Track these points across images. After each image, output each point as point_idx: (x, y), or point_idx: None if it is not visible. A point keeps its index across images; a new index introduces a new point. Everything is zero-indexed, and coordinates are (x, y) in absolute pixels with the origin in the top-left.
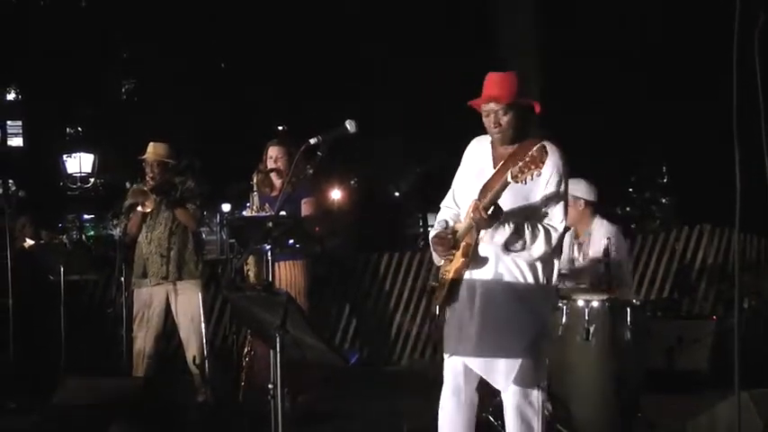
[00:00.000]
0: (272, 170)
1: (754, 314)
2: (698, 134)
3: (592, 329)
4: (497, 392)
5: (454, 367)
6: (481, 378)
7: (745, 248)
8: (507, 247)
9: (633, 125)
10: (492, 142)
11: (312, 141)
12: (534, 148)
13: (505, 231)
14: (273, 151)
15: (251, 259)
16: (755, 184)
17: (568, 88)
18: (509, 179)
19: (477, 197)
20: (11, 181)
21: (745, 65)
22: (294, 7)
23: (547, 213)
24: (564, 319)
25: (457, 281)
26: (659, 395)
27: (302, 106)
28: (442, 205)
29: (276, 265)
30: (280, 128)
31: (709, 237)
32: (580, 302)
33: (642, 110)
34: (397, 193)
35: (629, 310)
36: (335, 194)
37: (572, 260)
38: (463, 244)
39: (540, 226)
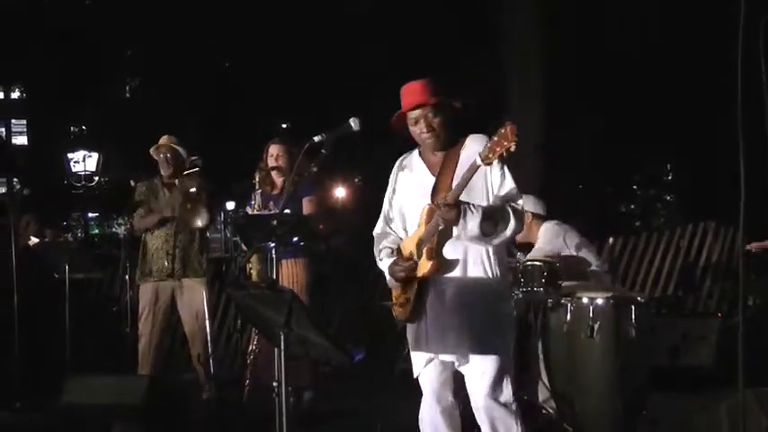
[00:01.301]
0: (273, 168)
1: (759, 312)
2: (703, 132)
3: (596, 327)
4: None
5: (429, 376)
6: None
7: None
8: (483, 232)
9: (638, 123)
10: (420, 154)
11: (316, 139)
12: (504, 127)
13: (476, 218)
14: (274, 149)
15: (254, 257)
16: (760, 182)
17: (572, 85)
18: (479, 163)
19: (429, 203)
20: (15, 179)
21: (749, 63)
22: (299, 6)
23: (504, 195)
24: (568, 317)
25: (422, 287)
26: (664, 393)
27: (306, 105)
28: (375, 234)
29: (278, 262)
30: (284, 126)
31: (714, 234)
32: (584, 300)
33: (647, 107)
34: None
35: (633, 307)
36: (339, 192)
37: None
38: (425, 249)
39: (505, 206)
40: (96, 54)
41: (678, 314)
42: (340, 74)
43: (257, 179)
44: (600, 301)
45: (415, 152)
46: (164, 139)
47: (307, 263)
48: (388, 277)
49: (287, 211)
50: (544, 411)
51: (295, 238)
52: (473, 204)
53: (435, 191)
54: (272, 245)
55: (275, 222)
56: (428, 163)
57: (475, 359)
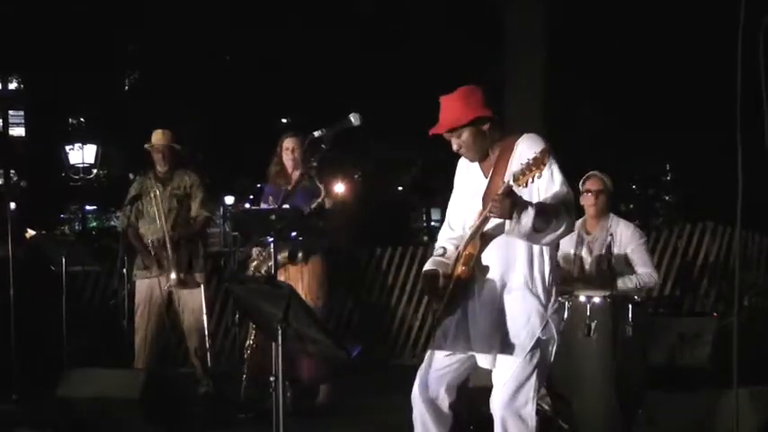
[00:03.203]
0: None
1: (756, 311)
2: (702, 132)
3: (593, 325)
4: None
5: (428, 361)
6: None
7: (746, 246)
8: (536, 228)
9: (637, 122)
10: None
11: (316, 134)
12: (537, 150)
13: (530, 212)
14: (290, 143)
15: (255, 252)
16: (759, 181)
17: (572, 84)
18: (511, 183)
19: (481, 208)
20: (12, 171)
21: (749, 62)
22: (300, 2)
23: (554, 194)
24: (565, 315)
25: (457, 288)
26: (660, 391)
27: (307, 100)
28: (440, 235)
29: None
30: (283, 121)
31: (712, 234)
32: (582, 298)
33: (646, 107)
34: (400, 188)
35: (630, 306)
36: (339, 188)
37: (577, 258)
38: (465, 253)
39: (558, 203)
40: (96, 46)
41: (675, 313)
42: (341, 70)
43: (272, 173)
44: (597, 300)
45: None
46: (158, 136)
47: (321, 259)
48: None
49: (286, 206)
50: (540, 409)
51: (293, 233)
52: (526, 199)
53: (486, 196)
54: (271, 239)
55: (274, 217)
56: (483, 165)
57: (502, 364)
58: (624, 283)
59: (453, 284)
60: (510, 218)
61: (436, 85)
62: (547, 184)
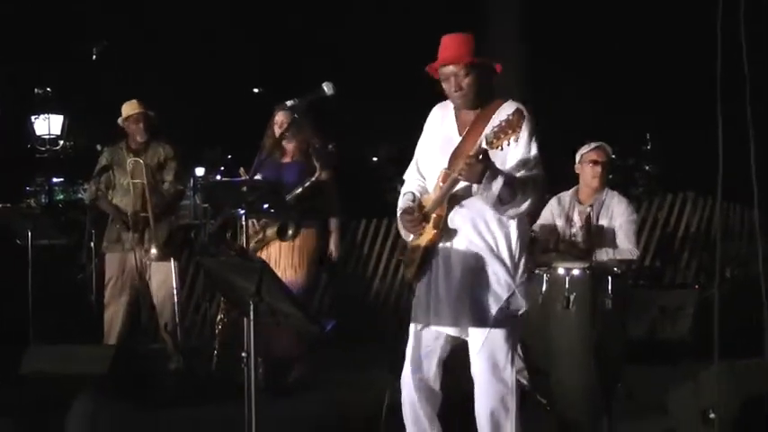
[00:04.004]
0: (282, 137)
1: (737, 283)
2: (682, 100)
3: (572, 298)
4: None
5: (417, 342)
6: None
7: (727, 217)
8: (501, 198)
9: (616, 91)
10: (456, 108)
11: (288, 104)
12: (511, 112)
13: (499, 180)
14: (281, 116)
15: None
16: (740, 151)
17: (550, 51)
18: (483, 145)
19: (446, 167)
20: None
21: (729, 34)
22: None
23: (525, 167)
24: (544, 288)
25: (428, 252)
26: (641, 365)
27: (279, 69)
28: (405, 177)
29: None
30: (255, 90)
31: (693, 205)
32: (560, 270)
33: (625, 75)
34: (375, 158)
35: (610, 278)
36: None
37: (566, 227)
38: (434, 216)
39: (527, 177)
40: (62, 13)
41: (656, 286)
42: (314, 38)
43: (266, 146)
44: (576, 272)
45: (450, 104)
46: (132, 106)
47: (316, 232)
48: (399, 226)
49: (258, 176)
50: (518, 384)
51: (266, 206)
52: (496, 166)
53: (455, 155)
54: (242, 212)
55: (245, 189)
56: (459, 120)
57: (476, 333)
58: (600, 255)
59: (424, 250)
60: (479, 182)
61: (411, 58)
62: (523, 156)
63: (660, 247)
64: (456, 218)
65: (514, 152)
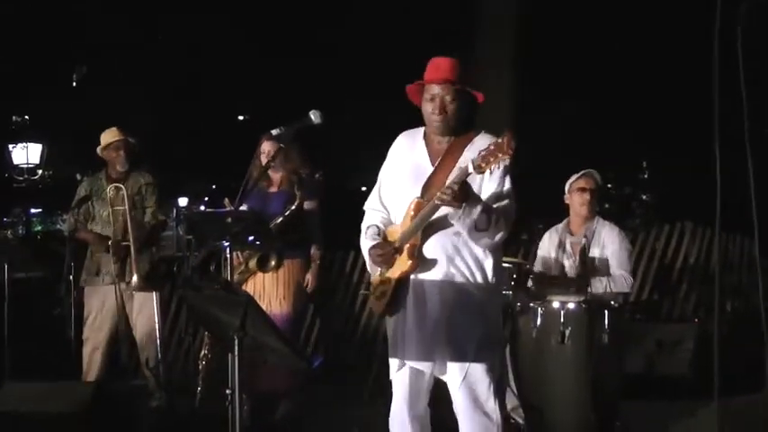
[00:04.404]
0: (267, 166)
1: (738, 317)
2: (679, 128)
3: (567, 332)
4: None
5: (403, 380)
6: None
7: (727, 248)
8: (477, 226)
9: (612, 118)
10: (426, 136)
11: (274, 132)
12: (502, 137)
13: (477, 208)
14: (267, 146)
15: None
16: (738, 181)
17: (544, 77)
18: (470, 170)
19: (418, 196)
20: None
21: (728, 58)
22: None
23: (498, 201)
24: (538, 321)
25: (401, 285)
26: (638, 401)
27: (265, 96)
28: (366, 208)
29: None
30: (240, 118)
31: (691, 235)
32: (555, 304)
33: (621, 102)
34: (363, 188)
35: (606, 312)
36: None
37: (558, 263)
38: (407, 246)
39: (500, 210)
40: (41, 37)
41: (653, 319)
42: (300, 64)
43: (253, 176)
44: (571, 306)
45: (419, 132)
46: (113, 133)
47: (302, 263)
48: (367, 260)
49: (243, 207)
50: (512, 421)
51: (251, 237)
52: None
53: (429, 185)
54: (227, 244)
55: (230, 220)
56: (431, 149)
57: (454, 368)
58: (596, 285)
59: (396, 282)
60: (459, 207)
61: (400, 84)
62: (496, 189)
63: (658, 280)
64: (430, 248)
65: (488, 185)
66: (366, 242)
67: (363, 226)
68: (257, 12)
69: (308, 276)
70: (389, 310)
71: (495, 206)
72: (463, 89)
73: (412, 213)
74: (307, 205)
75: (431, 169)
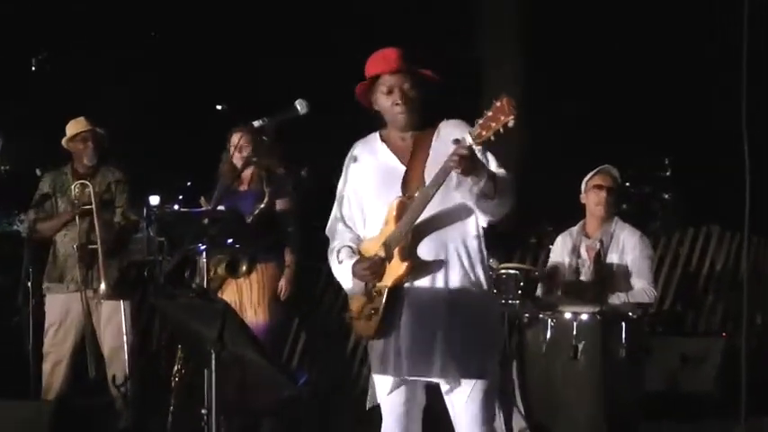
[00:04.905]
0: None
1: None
2: (706, 123)
3: (581, 347)
4: None
5: (394, 402)
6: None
7: (757, 254)
8: (484, 192)
9: (632, 111)
10: (384, 138)
11: (256, 124)
12: (499, 99)
13: (484, 177)
14: (238, 138)
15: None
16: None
17: (556, 65)
18: (469, 141)
19: (399, 195)
20: None
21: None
22: None
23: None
24: (548, 334)
25: (395, 294)
26: (660, 422)
27: (246, 83)
28: (329, 231)
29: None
30: (218, 107)
31: (718, 240)
32: (567, 315)
33: (642, 93)
34: None
35: (623, 324)
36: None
37: (572, 268)
38: (397, 249)
39: (505, 177)
40: None
41: (677, 332)
42: (284, 47)
43: (221, 172)
44: (585, 317)
45: (375, 136)
46: (80, 123)
47: (277, 268)
48: (347, 285)
49: (221, 207)
50: None
51: (230, 240)
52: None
53: (407, 181)
54: (203, 247)
55: (207, 221)
56: (395, 149)
57: (458, 383)
58: (614, 299)
59: (389, 293)
60: (467, 174)
61: None
62: (480, 156)
63: (681, 289)
64: (421, 252)
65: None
66: (345, 263)
67: (332, 249)
68: None
69: (282, 282)
70: (383, 329)
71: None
72: (418, 72)
73: (395, 213)
74: (279, 205)
75: (403, 168)
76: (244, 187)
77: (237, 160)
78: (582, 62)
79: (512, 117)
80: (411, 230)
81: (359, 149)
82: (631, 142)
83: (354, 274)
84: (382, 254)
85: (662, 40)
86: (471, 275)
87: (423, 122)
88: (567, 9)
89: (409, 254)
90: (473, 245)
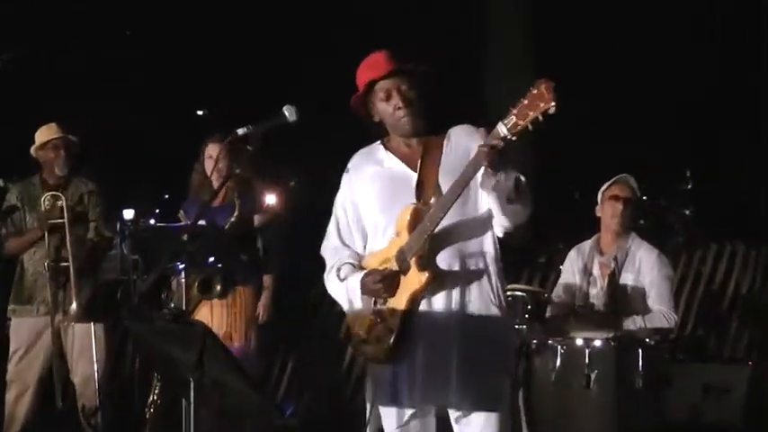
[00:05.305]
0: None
1: None
2: (730, 130)
3: (593, 375)
4: None
5: (403, 427)
6: None
7: None
8: (508, 194)
9: (649, 118)
10: (388, 147)
11: (240, 132)
12: (536, 86)
13: (512, 175)
14: (214, 149)
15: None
16: None
17: (565, 66)
18: (503, 132)
19: (414, 202)
20: None
21: None
22: None
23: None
24: (558, 362)
25: (412, 310)
26: None
27: (228, 87)
28: (325, 250)
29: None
30: (199, 113)
31: (743, 259)
32: (579, 341)
33: (660, 98)
34: None
35: (640, 351)
36: (270, 199)
37: (583, 288)
38: (414, 259)
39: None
40: None
41: (699, 360)
42: (272, 49)
43: (193, 185)
44: (598, 343)
45: (376, 146)
46: (51, 130)
47: (255, 291)
48: (351, 304)
49: (201, 222)
50: None
51: (211, 258)
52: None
53: (421, 188)
54: (182, 266)
55: (186, 237)
56: (401, 155)
57: (479, 414)
58: (630, 323)
59: (406, 307)
60: (497, 169)
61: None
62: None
63: (703, 312)
64: (439, 262)
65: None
66: (350, 279)
67: (329, 268)
68: None
69: (260, 306)
70: (396, 352)
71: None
72: (413, 70)
73: (409, 222)
74: (258, 219)
75: (414, 175)
76: (217, 201)
77: (215, 174)
78: (595, 63)
79: (552, 104)
80: (429, 239)
81: (357, 161)
82: (649, 150)
83: (364, 289)
84: (395, 266)
85: (686, 39)
86: (490, 292)
87: (429, 127)
88: (577, 7)
89: (428, 263)
90: (492, 258)
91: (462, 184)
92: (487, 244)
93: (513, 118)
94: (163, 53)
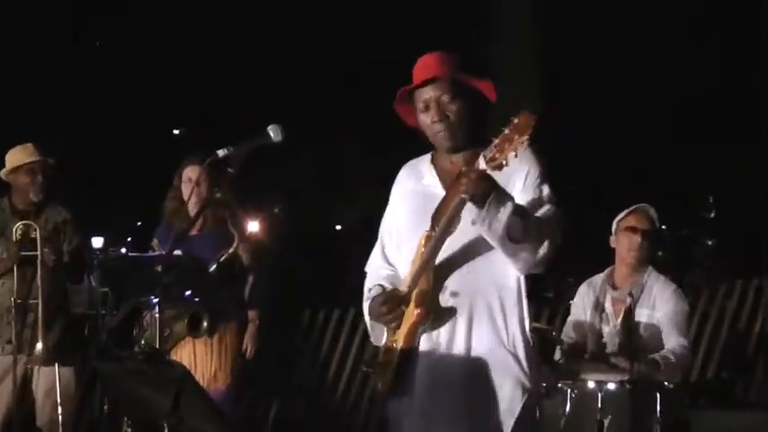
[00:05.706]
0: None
1: None
2: (756, 157)
3: (606, 422)
4: None
5: None
6: None
7: None
8: (509, 234)
9: (669, 142)
10: (434, 159)
11: (220, 153)
12: (517, 117)
13: (507, 208)
14: (192, 172)
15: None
16: None
17: (573, 88)
18: (482, 165)
19: (428, 229)
20: None
21: None
22: None
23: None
24: (568, 407)
25: (408, 349)
26: None
27: (208, 106)
28: (368, 269)
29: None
30: (175, 132)
31: None
32: (591, 384)
33: (677, 119)
34: (338, 227)
35: (658, 395)
36: (252, 227)
37: (595, 326)
38: (416, 292)
39: (543, 214)
40: None
41: (722, 405)
42: (257, 64)
43: (167, 209)
44: (612, 386)
45: (425, 158)
46: (27, 152)
47: (238, 327)
48: (372, 331)
49: (177, 252)
50: None
51: (188, 292)
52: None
53: (438, 213)
54: (155, 299)
55: (160, 268)
56: (440, 172)
57: None
58: (639, 366)
59: (403, 344)
60: (482, 204)
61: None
62: (532, 197)
63: (727, 353)
64: (445, 297)
65: (521, 195)
66: (366, 304)
67: (365, 289)
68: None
69: (246, 341)
70: (395, 388)
71: (534, 209)
72: (462, 82)
73: (423, 251)
74: (242, 249)
75: (441, 195)
76: (194, 231)
77: (194, 198)
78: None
79: (527, 135)
80: (430, 272)
81: (405, 172)
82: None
83: (371, 313)
84: (403, 293)
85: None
86: (504, 335)
87: (476, 141)
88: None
89: (423, 300)
90: (509, 296)
91: (450, 218)
92: (507, 280)
93: (493, 150)
94: (140, 64)
